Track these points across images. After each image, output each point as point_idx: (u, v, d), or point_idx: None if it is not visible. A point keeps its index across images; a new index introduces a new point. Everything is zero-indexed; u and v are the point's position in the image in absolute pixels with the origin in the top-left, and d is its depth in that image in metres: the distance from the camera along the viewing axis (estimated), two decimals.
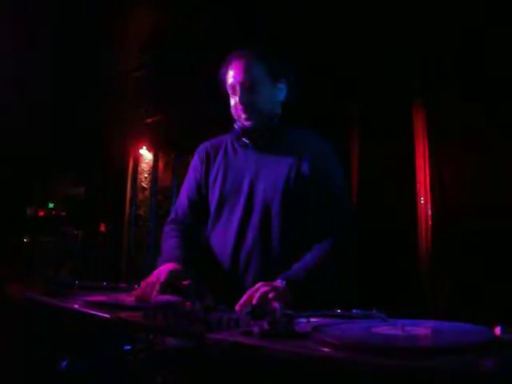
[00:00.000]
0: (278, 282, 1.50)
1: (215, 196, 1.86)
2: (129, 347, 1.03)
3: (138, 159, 5.58)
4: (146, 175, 5.55)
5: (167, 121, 5.01)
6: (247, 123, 1.81)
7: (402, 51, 3.32)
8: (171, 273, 1.56)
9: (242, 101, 1.77)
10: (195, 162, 1.98)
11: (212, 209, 1.88)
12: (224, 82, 1.86)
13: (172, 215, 1.98)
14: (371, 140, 3.63)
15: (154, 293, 1.48)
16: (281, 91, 1.86)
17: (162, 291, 1.48)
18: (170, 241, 1.83)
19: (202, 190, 1.93)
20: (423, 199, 3.33)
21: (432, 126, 3.35)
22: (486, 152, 3.08)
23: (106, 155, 5.38)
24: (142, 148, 5.53)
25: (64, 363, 1.12)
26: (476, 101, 3.13)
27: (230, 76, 1.81)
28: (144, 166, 5.56)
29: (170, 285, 1.52)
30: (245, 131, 1.83)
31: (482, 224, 3.02)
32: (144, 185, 5.55)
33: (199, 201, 1.93)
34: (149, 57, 4.05)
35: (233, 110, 1.85)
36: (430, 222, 3.28)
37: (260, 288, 1.44)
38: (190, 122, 4.77)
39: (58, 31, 3.57)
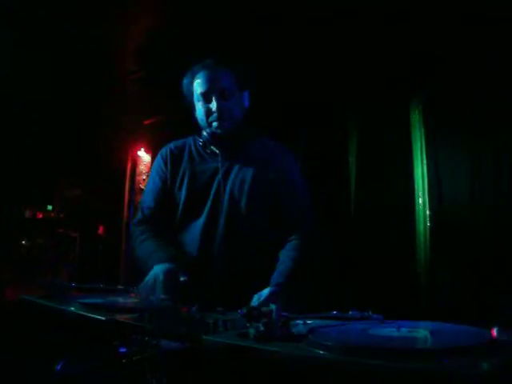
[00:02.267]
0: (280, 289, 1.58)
1: (181, 200, 1.89)
2: (124, 349, 1.02)
3: (135, 161, 5.58)
4: (144, 177, 5.54)
5: (165, 122, 5.01)
6: (218, 131, 1.86)
7: (400, 52, 3.32)
8: (167, 272, 1.60)
9: (218, 108, 1.82)
10: (159, 163, 2.00)
11: (179, 212, 1.90)
12: (189, 91, 1.91)
13: (139, 216, 1.98)
14: (369, 141, 3.63)
15: (156, 294, 1.51)
16: (245, 99, 1.94)
17: (164, 291, 1.51)
18: (148, 242, 1.85)
19: (167, 190, 1.94)
20: (421, 200, 3.33)
21: (429, 126, 3.35)
22: (484, 152, 3.08)
23: (104, 157, 5.38)
24: (139, 150, 5.53)
25: (59, 365, 1.11)
26: (474, 101, 3.13)
27: (201, 84, 1.85)
28: (142, 167, 5.56)
29: (168, 284, 1.55)
30: (214, 139, 1.89)
31: (480, 224, 3.02)
32: (142, 187, 5.54)
33: (165, 201, 1.94)
34: (147, 58, 4.06)
35: (202, 118, 1.89)
36: (428, 223, 3.28)
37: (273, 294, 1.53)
38: (188, 123, 4.76)
39: (58, 33, 3.58)
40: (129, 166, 5.59)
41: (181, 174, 1.93)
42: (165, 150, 2.02)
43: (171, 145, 2.04)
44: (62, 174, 5.87)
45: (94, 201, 5.69)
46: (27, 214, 5.93)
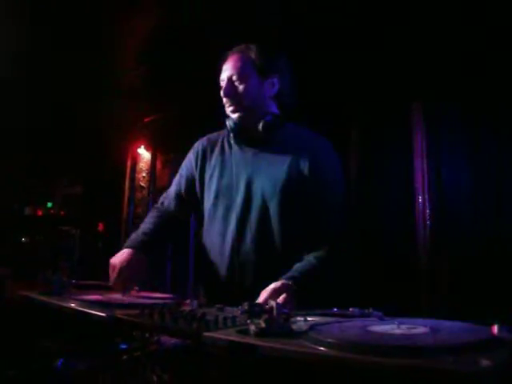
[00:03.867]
0: (287, 283, 1.49)
1: (211, 194, 1.85)
2: (125, 346, 1.02)
3: (136, 158, 5.57)
4: (144, 174, 5.53)
5: (165, 120, 5.00)
6: (234, 115, 1.81)
7: (402, 50, 3.32)
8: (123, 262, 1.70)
9: (225, 92, 1.79)
10: (189, 157, 1.98)
11: (208, 206, 1.86)
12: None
13: (158, 203, 2.06)
14: (369, 140, 3.62)
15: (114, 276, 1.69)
16: (272, 86, 1.84)
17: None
18: (144, 225, 1.91)
19: (193, 184, 1.93)
20: (421, 198, 3.33)
21: (430, 125, 3.35)
22: (485, 151, 3.08)
23: (104, 154, 5.38)
24: (140, 147, 5.52)
25: (59, 362, 1.11)
26: (476, 100, 3.12)
27: (221, 72, 1.84)
28: (142, 165, 5.55)
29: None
30: (234, 126, 1.82)
31: (480, 223, 3.01)
32: (142, 184, 5.54)
33: (187, 195, 1.94)
34: (147, 56, 4.05)
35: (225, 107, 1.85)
36: (427, 222, 3.28)
37: (278, 289, 1.45)
38: (188, 120, 4.76)
39: (57, 31, 3.57)
40: (129, 163, 5.58)
41: (212, 168, 1.88)
42: (197, 144, 1.99)
43: (204, 138, 2.00)
44: (62, 171, 5.87)
45: (93, 198, 5.69)
46: (27, 211, 5.92)
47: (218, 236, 1.82)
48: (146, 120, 5.15)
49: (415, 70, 3.35)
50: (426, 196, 3.32)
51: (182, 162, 2.05)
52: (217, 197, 1.83)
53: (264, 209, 1.73)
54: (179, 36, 3.65)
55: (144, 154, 5.55)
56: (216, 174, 1.86)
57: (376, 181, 3.54)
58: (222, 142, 1.93)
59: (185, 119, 4.77)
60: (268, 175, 1.76)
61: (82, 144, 5.23)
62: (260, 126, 1.78)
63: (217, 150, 1.92)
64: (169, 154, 5.31)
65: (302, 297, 1.46)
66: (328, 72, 3.62)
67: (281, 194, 1.72)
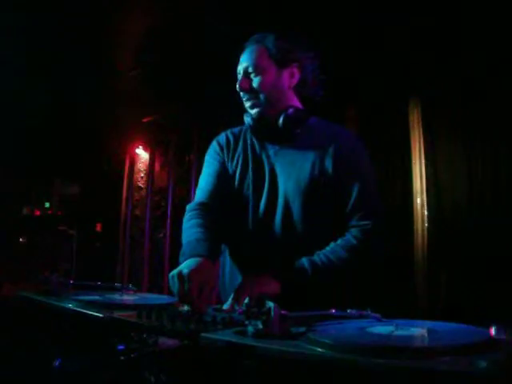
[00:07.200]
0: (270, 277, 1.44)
1: (236, 191, 1.72)
2: (122, 347, 1.02)
3: (134, 159, 5.57)
4: (142, 175, 5.53)
5: (164, 120, 5.00)
6: (253, 111, 1.69)
7: (399, 51, 3.32)
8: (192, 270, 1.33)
9: (240, 86, 1.67)
10: (215, 148, 1.82)
11: (234, 204, 1.73)
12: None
13: (195, 199, 1.76)
14: (367, 140, 3.62)
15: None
16: (291, 77, 1.70)
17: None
18: (192, 229, 1.60)
19: (224, 174, 1.77)
20: (419, 200, 3.33)
21: (428, 126, 3.35)
22: (483, 152, 3.08)
23: (102, 154, 5.37)
24: (138, 147, 5.52)
25: (57, 362, 1.11)
26: (473, 101, 3.13)
27: (238, 65, 1.71)
28: (140, 165, 5.55)
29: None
30: (253, 122, 1.71)
31: (478, 224, 3.02)
32: (140, 184, 5.54)
33: (222, 185, 1.75)
34: (146, 56, 4.05)
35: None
36: (426, 224, 3.28)
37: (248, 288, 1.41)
38: (186, 121, 4.76)
39: (56, 31, 3.57)
40: (127, 163, 5.58)
41: (234, 165, 1.75)
42: (221, 136, 1.84)
43: (228, 131, 1.85)
44: (60, 171, 5.86)
45: (91, 198, 5.68)
46: (25, 211, 5.91)
47: (236, 237, 1.72)
48: (144, 120, 5.16)
49: (413, 70, 3.35)
50: (425, 198, 3.32)
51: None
52: (237, 196, 1.71)
53: (287, 210, 1.62)
54: (178, 36, 3.66)
55: (142, 154, 5.55)
56: (238, 171, 1.73)
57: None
58: (245, 136, 1.80)
59: (183, 120, 4.77)
60: (290, 175, 1.65)
61: (81, 144, 5.23)
62: (280, 120, 1.66)
63: (240, 144, 1.79)
64: (167, 154, 5.32)
65: (299, 290, 1.42)
66: (325, 70, 3.62)
67: (304, 194, 1.61)
